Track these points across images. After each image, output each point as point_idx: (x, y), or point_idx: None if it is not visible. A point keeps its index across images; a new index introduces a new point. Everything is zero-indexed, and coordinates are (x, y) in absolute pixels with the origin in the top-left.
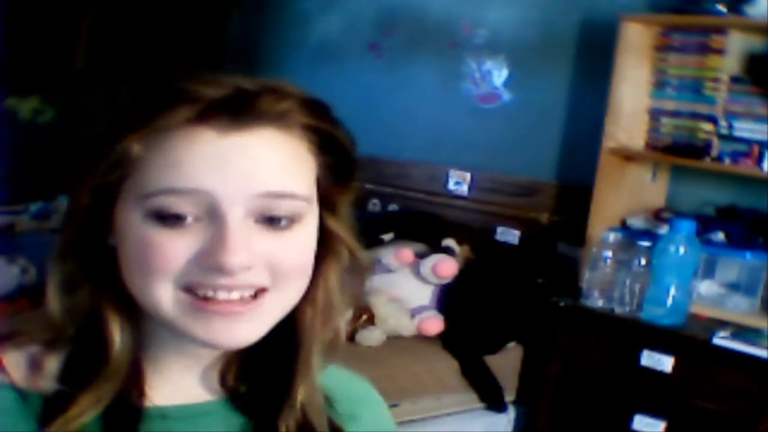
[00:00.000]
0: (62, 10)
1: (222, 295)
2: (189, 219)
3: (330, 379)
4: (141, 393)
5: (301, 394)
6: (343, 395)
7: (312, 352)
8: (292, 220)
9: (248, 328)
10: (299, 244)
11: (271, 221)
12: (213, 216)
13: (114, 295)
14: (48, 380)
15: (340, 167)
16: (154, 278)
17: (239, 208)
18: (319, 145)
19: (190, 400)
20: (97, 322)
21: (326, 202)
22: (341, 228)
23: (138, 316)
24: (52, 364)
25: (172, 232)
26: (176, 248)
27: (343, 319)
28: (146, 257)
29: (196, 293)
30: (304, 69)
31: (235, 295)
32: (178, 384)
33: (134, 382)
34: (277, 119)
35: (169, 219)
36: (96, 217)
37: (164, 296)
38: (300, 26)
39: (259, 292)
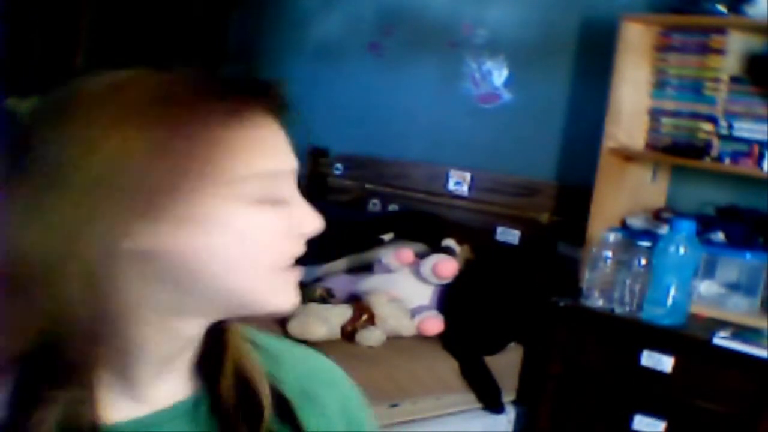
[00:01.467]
0: (62, 10)
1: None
2: (279, 199)
3: (288, 356)
4: (93, 411)
5: (237, 354)
6: (297, 371)
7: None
8: None
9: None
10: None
11: None
12: (290, 194)
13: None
14: None
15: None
16: (256, 266)
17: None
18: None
19: (159, 406)
20: (56, 341)
21: None
22: None
23: (117, 331)
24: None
25: (270, 212)
26: (276, 227)
27: None
28: (253, 243)
29: (281, 268)
30: (304, 69)
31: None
32: (154, 391)
33: (87, 400)
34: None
35: (272, 200)
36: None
37: (257, 281)
38: (300, 26)
39: None
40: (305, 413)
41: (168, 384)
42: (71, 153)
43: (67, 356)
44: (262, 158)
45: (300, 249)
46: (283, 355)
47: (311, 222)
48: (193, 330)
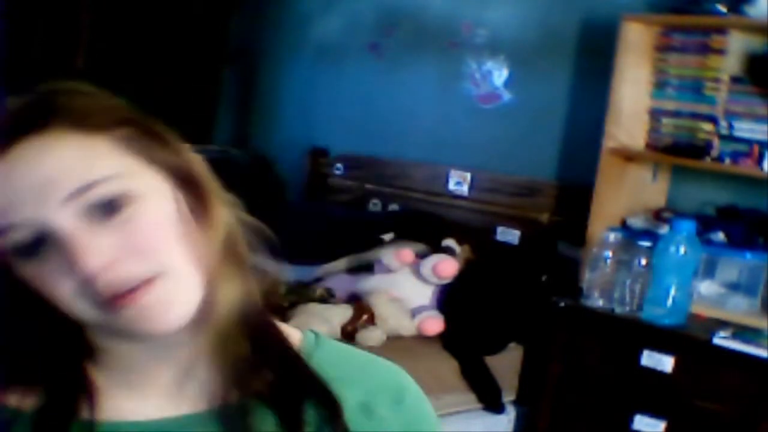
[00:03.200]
0: (62, 10)
1: (111, 292)
2: (35, 244)
3: (346, 367)
4: (91, 407)
5: (210, 358)
6: (358, 382)
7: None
8: (122, 198)
9: (170, 308)
10: (150, 220)
11: (104, 211)
12: (48, 234)
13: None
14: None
15: (145, 129)
16: (66, 305)
17: (63, 218)
18: (105, 123)
19: (184, 411)
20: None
21: (157, 165)
22: (192, 168)
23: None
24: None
25: (39, 260)
26: (51, 273)
27: (239, 246)
28: (44, 292)
29: (100, 297)
30: (305, 69)
31: (121, 287)
32: (168, 396)
33: (85, 395)
34: (36, 127)
35: (24, 252)
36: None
37: (88, 313)
38: (300, 26)
39: (149, 280)
40: (359, 427)
41: (190, 391)
42: None
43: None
44: None
45: (95, 287)
46: (350, 364)
47: (77, 265)
48: (150, 343)
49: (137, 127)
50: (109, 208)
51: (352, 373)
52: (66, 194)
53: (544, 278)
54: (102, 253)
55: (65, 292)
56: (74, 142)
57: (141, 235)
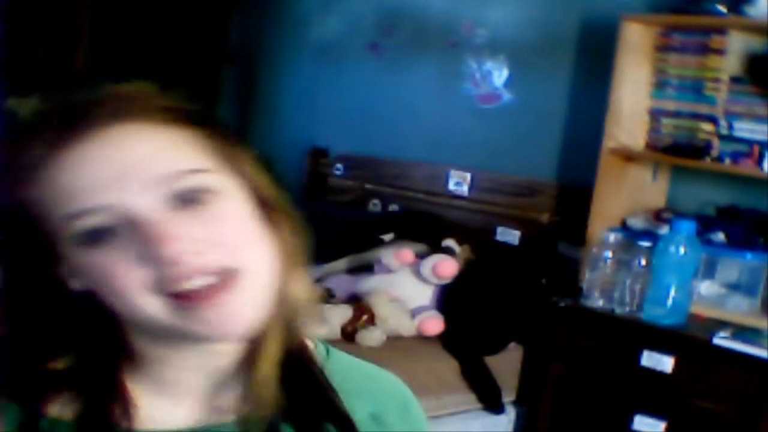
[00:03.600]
0: (62, 10)
1: (189, 286)
2: (111, 230)
3: (356, 378)
4: (128, 416)
5: (258, 378)
6: (367, 394)
7: (266, 333)
8: (204, 194)
9: (242, 309)
10: (230, 216)
11: (186, 202)
12: (129, 219)
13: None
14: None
15: (219, 130)
16: (128, 296)
17: (147, 202)
18: (182, 121)
19: (220, 420)
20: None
21: (235, 170)
22: (262, 184)
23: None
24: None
25: (109, 247)
26: (121, 260)
27: (301, 292)
28: (106, 281)
29: (169, 292)
30: (305, 69)
31: (204, 281)
32: (203, 405)
33: (117, 404)
34: (125, 114)
35: (95, 238)
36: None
37: (150, 308)
38: (300, 26)
39: (228, 274)
40: None
41: (222, 401)
42: None
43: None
44: (66, 203)
45: (170, 274)
46: (358, 376)
47: (158, 249)
48: (193, 349)
49: (216, 129)
50: (192, 200)
51: (362, 385)
52: (151, 179)
53: (544, 281)
54: (184, 240)
55: (136, 283)
56: (160, 134)
57: (223, 228)
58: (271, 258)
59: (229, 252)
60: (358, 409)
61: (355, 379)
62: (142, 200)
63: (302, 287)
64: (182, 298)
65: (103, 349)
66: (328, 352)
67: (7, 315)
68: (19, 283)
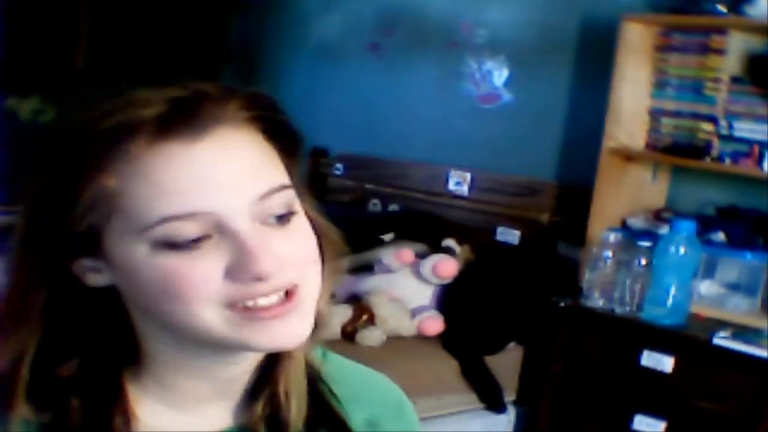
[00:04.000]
0: (62, 10)
1: (262, 302)
2: (200, 238)
3: (351, 383)
4: (128, 423)
5: (281, 385)
6: (363, 399)
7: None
8: (290, 211)
9: (299, 324)
10: (305, 232)
11: (276, 219)
12: (222, 231)
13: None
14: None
15: (290, 146)
16: (193, 305)
17: (244, 218)
18: (269, 131)
19: (219, 426)
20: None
21: (297, 186)
22: (308, 206)
23: (142, 347)
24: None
25: (191, 256)
26: (202, 270)
27: (325, 301)
28: (174, 288)
29: (238, 306)
30: (304, 69)
31: (273, 298)
32: (204, 412)
33: (118, 410)
34: (228, 119)
35: (182, 244)
36: (67, 259)
37: (212, 318)
38: (300, 26)
39: (291, 289)
40: None
41: (222, 407)
42: None
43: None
44: (161, 202)
45: (255, 290)
46: (354, 380)
47: (252, 267)
48: (221, 355)
49: (291, 143)
50: (280, 216)
51: (358, 389)
52: (256, 196)
53: (545, 286)
54: (274, 258)
55: (211, 294)
56: (259, 145)
57: (299, 246)
58: (320, 275)
59: (299, 269)
60: (354, 415)
61: (350, 384)
62: (242, 212)
63: (326, 302)
64: (248, 311)
65: (109, 352)
66: (324, 355)
67: (17, 310)
68: (33, 270)
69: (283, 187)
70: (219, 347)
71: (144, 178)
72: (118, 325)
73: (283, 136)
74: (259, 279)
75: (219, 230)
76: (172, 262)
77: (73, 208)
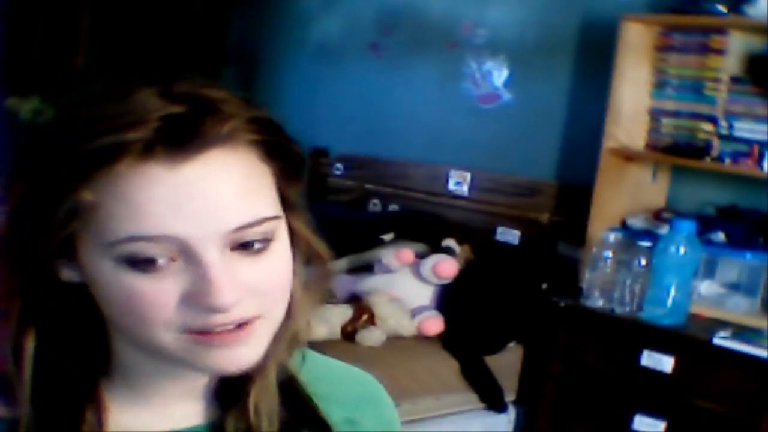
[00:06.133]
0: (62, 10)
1: (218, 329)
2: (163, 261)
3: (331, 382)
4: (100, 423)
5: (252, 397)
6: (342, 397)
7: (267, 358)
8: (267, 239)
9: (248, 352)
10: (280, 263)
11: (246, 246)
12: (188, 256)
13: (81, 330)
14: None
15: (290, 167)
16: (151, 326)
17: (213, 247)
18: (268, 153)
19: (187, 424)
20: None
21: (285, 203)
22: (301, 224)
23: (112, 348)
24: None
25: (151, 277)
26: (161, 295)
27: (305, 317)
28: (133, 307)
29: (193, 330)
30: (304, 69)
31: (229, 327)
32: (173, 410)
33: (87, 414)
34: (223, 140)
35: (143, 264)
36: (44, 260)
37: (166, 340)
38: (300, 26)
39: (249, 321)
40: None
41: (190, 406)
42: None
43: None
44: (129, 222)
45: (212, 320)
46: (333, 379)
47: (211, 299)
48: (178, 365)
49: (288, 162)
50: (254, 248)
51: (336, 388)
52: (232, 227)
53: (544, 286)
54: (236, 291)
55: (167, 318)
56: (252, 169)
57: (269, 278)
58: (284, 305)
59: (262, 301)
60: (333, 414)
61: (330, 383)
62: (212, 240)
63: (306, 319)
64: (201, 336)
65: (84, 349)
66: (303, 356)
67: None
68: (15, 267)
69: (264, 220)
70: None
71: (121, 196)
72: (91, 323)
73: (283, 158)
74: (214, 311)
75: (184, 255)
76: (133, 281)
77: (53, 215)
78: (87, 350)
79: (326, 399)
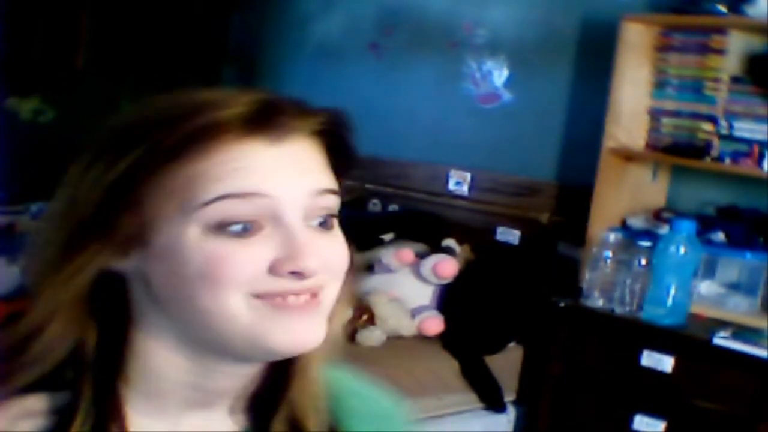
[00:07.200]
0: (62, 10)
1: (291, 300)
2: (252, 227)
3: (352, 397)
4: (122, 425)
5: (296, 393)
6: (364, 414)
7: (311, 354)
8: (333, 218)
9: (318, 326)
10: (342, 242)
11: (319, 223)
12: (275, 223)
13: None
14: (32, 422)
15: (341, 166)
16: (226, 290)
17: (297, 211)
18: (330, 149)
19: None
20: (83, 355)
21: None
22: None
23: (136, 352)
24: (36, 404)
25: (240, 242)
26: (249, 258)
27: (341, 317)
28: (217, 270)
29: (267, 297)
30: (304, 69)
31: (303, 298)
32: (192, 423)
33: (113, 418)
34: (305, 131)
35: (233, 229)
36: (109, 238)
37: (239, 306)
38: (300, 26)
39: (317, 292)
40: None
41: (211, 418)
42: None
43: (91, 375)
44: (223, 182)
45: (291, 287)
46: (353, 397)
47: (299, 262)
48: (220, 363)
49: (345, 164)
50: (323, 222)
51: (359, 404)
52: (312, 190)
53: (544, 286)
54: (318, 258)
55: (245, 281)
56: (321, 155)
57: (339, 252)
58: (339, 287)
59: (330, 275)
60: (355, 428)
61: (352, 397)
62: (295, 203)
63: (342, 316)
64: (275, 300)
65: (110, 346)
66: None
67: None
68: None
69: (335, 191)
70: (219, 352)
71: (218, 163)
72: (120, 315)
73: (341, 157)
74: (300, 275)
75: (272, 220)
76: (219, 245)
77: (138, 199)
78: (112, 351)
79: (348, 412)
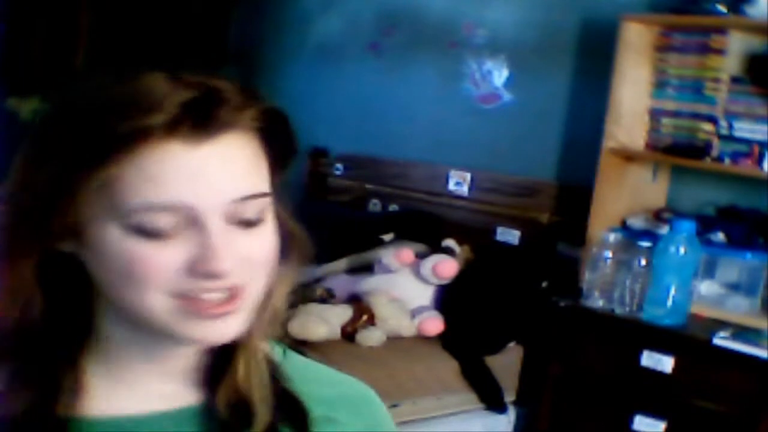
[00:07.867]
0: (62, 10)
1: (207, 297)
2: (170, 230)
3: (310, 381)
4: (70, 403)
5: (240, 371)
6: (321, 396)
7: (252, 332)
8: (261, 216)
9: (234, 322)
10: (269, 238)
11: (244, 222)
12: (194, 226)
13: (67, 301)
14: None
15: (283, 157)
16: (145, 289)
17: (217, 216)
18: (267, 141)
19: (165, 407)
20: (44, 329)
21: (272, 188)
22: (281, 209)
23: (95, 324)
24: None
25: (157, 244)
26: (164, 260)
27: (283, 295)
28: (134, 271)
29: (185, 297)
30: (304, 69)
31: (219, 296)
32: (153, 392)
33: (64, 391)
34: (235, 126)
35: (151, 232)
36: (46, 226)
37: (157, 305)
38: (300, 26)
39: (236, 290)
40: None
41: (168, 388)
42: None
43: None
44: (144, 189)
45: (206, 286)
46: (313, 379)
47: (212, 264)
48: (162, 341)
49: (284, 154)
50: (249, 222)
51: (316, 388)
52: (234, 198)
53: (544, 284)
54: (233, 259)
55: (163, 282)
56: (253, 151)
57: (258, 252)
58: (266, 279)
59: (250, 272)
60: (311, 411)
61: (309, 382)
62: (216, 210)
63: (283, 296)
64: (192, 304)
65: (70, 323)
66: (285, 354)
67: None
68: (21, 243)
69: (262, 195)
70: (161, 333)
71: (142, 169)
72: (80, 293)
73: (280, 147)
74: (214, 276)
75: (191, 225)
76: (138, 247)
77: (74, 191)
78: (69, 322)
79: (305, 396)
